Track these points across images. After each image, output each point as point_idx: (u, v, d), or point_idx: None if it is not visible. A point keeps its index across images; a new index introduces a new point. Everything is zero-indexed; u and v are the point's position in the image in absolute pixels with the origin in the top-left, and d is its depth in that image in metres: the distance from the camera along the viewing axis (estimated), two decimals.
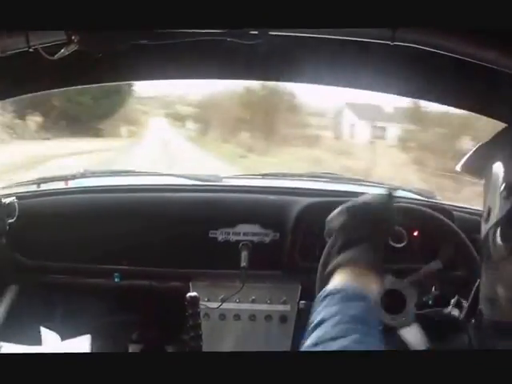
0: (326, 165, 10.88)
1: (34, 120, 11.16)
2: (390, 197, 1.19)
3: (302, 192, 2.06)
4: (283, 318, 1.96)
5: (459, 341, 1.67)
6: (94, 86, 2.08)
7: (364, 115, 14.92)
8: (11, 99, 1.59)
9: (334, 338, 0.85)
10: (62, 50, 1.02)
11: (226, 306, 1.93)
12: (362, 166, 10.55)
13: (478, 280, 1.04)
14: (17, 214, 1.87)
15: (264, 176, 2.29)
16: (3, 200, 1.86)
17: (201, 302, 1.67)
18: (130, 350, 2.07)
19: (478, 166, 1.07)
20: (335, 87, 1.58)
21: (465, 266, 1.60)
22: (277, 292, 1.96)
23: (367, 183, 2.22)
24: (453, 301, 1.44)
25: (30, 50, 1.01)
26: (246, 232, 1.93)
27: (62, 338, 1.72)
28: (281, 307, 1.96)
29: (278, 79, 1.73)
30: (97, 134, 12.04)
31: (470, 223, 1.77)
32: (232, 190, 2.11)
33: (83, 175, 2.15)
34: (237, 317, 1.96)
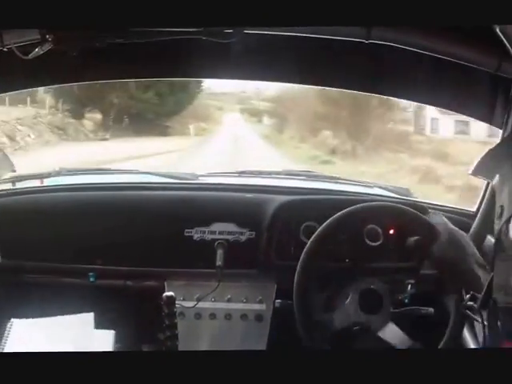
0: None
1: (91, 118, 10.51)
2: None
3: (279, 190, 2.06)
4: (259, 317, 1.95)
5: (436, 338, 1.70)
6: (85, 83, 2.06)
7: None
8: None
9: None
10: (37, 49, 1.01)
11: (201, 305, 1.92)
12: None
13: (492, 273, 1.11)
14: None
15: (240, 174, 2.28)
16: None
17: (176, 302, 1.66)
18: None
19: (489, 168, 1.13)
20: (315, 87, 1.60)
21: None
22: (253, 291, 1.96)
23: (344, 181, 2.23)
24: (467, 296, 1.52)
25: (4, 49, 1.00)
26: (222, 231, 1.93)
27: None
28: (257, 306, 1.96)
29: (256, 78, 1.73)
30: (163, 132, 11.31)
31: (459, 224, 1.81)
32: (208, 188, 2.10)
33: (58, 173, 2.13)
34: (212, 316, 1.95)
